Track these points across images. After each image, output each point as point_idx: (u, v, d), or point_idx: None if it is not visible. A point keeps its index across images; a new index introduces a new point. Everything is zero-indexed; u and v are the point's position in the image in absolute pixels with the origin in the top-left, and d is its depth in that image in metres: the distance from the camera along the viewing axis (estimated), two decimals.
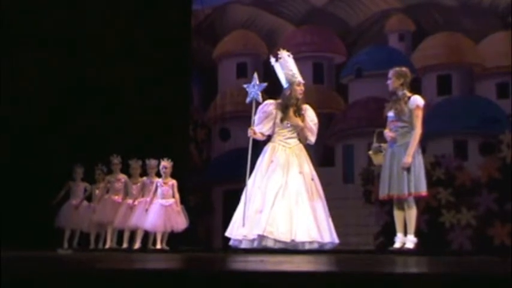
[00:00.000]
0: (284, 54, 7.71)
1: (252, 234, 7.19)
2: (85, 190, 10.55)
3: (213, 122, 11.81)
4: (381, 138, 7.32)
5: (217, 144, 11.78)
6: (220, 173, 11.39)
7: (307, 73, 10.81)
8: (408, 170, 6.97)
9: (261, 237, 7.11)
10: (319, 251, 7.16)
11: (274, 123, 7.63)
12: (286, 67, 7.64)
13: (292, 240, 7.08)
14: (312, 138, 7.68)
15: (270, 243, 7.09)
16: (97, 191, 10.35)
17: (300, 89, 7.62)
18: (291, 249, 7.06)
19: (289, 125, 7.58)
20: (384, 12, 10.62)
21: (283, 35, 11.31)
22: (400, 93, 7.17)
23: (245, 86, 7.85)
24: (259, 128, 7.62)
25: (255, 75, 7.80)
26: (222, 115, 11.67)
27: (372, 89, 10.15)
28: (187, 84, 11.99)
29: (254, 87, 7.68)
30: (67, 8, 11.00)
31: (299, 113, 7.60)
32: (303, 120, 7.60)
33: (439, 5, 10.25)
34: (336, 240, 7.34)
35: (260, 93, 7.65)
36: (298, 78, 7.64)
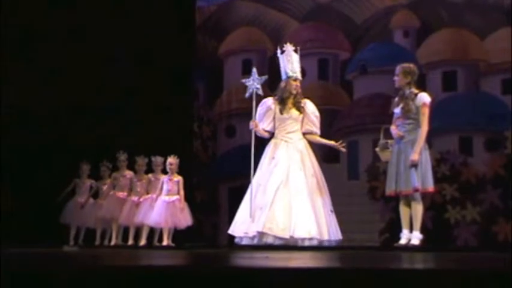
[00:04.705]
0: (289, 48, 7.73)
1: (252, 231, 7.21)
2: (91, 187, 10.56)
3: (219, 119, 11.82)
4: (388, 135, 7.32)
5: (222, 141, 11.79)
6: (226, 169, 11.40)
7: (312, 69, 10.85)
8: (415, 166, 6.98)
9: (261, 234, 7.13)
10: (324, 248, 7.17)
11: (274, 118, 7.66)
12: (287, 61, 7.67)
13: (291, 237, 7.08)
14: (316, 130, 7.69)
15: (269, 240, 7.10)
16: (104, 188, 10.37)
17: (295, 85, 7.64)
18: (296, 246, 7.07)
19: (289, 118, 7.59)
20: (388, 8, 10.61)
21: (288, 32, 11.31)
22: (407, 91, 7.17)
23: (244, 81, 7.88)
24: (260, 124, 7.66)
25: (254, 69, 7.85)
26: (227, 112, 11.68)
27: (377, 86, 10.15)
28: (193, 81, 12.00)
29: (254, 81, 7.71)
30: (68, 3, 11.03)
31: (298, 106, 7.62)
32: (303, 111, 7.62)
33: (444, 1, 10.23)
34: (336, 237, 7.33)
35: (260, 86, 7.67)
36: (296, 74, 7.67)
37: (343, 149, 7.68)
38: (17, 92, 10.49)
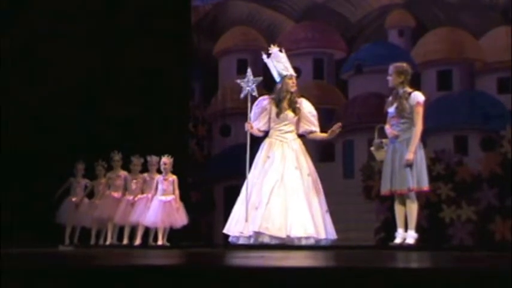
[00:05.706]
0: (275, 49, 7.74)
1: (248, 230, 7.21)
2: (85, 187, 10.53)
3: (214, 118, 11.81)
4: (382, 134, 7.33)
5: (218, 141, 11.77)
6: (221, 169, 11.39)
7: (307, 69, 10.85)
8: (410, 166, 6.99)
9: (257, 234, 7.12)
10: (319, 247, 7.17)
11: (269, 118, 7.65)
12: (277, 61, 7.67)
13: (288, 236, 7.08)
14: (315, 128, 7.68)
15: (266, 240, 7.10)
16: (99, 187, 10.35)
17: (291, 82, 7.64)
18: (290, 245, 7.07)
19: (285, 119, 7.59)
20: (384, 7, 10.62)
21: (284, 31, 11.31)
22: (400, 90, 7.18)
23: (238, 81, 7.87)
24: (255, 124, 7.65)
25: (249, 69, 7.84)
26: (222, 111, 11.66)
27: (372, 85, 10.15)
28: (188, 80, 11.98)
29: (248, 82, 7.70)
30: (65, 4, 11.00)
31: (293, 106, 7.62)
32: (298, 113, 7.61)
33: (440, 1, 10.24)
34: (332, 236, 7.34)
35: (255, 87, 7.67)
36: (289, 71, 7.67)
37: (339, 125, 7.61)
38: (15, 92, 10.48)
